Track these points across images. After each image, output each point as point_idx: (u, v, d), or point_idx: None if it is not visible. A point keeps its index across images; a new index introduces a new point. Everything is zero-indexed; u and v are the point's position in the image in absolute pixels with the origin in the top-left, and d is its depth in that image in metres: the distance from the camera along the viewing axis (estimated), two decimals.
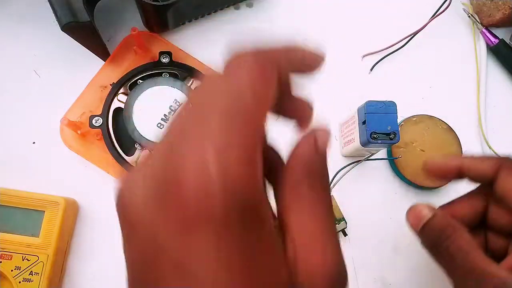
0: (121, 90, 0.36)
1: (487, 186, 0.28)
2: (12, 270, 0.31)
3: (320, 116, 0.41)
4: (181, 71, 0.37)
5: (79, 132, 0.35)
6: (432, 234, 0.26)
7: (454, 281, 0.25)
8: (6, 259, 0.31)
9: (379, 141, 0.31)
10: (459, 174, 0.28)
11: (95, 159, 0.35)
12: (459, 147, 0.39)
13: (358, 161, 0.37)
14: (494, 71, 0.43)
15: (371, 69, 0.41)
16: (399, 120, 0.39)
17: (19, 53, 0.37)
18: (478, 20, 0.42)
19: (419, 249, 0.29)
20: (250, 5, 0.41)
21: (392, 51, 0.41)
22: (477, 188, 0.29)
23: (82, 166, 0.36)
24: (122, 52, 0.37)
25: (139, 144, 0.33)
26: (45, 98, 0.37)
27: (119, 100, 0.36)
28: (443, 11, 0.40)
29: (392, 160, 0.38)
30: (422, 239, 0.27)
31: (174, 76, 0.36)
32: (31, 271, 0.31)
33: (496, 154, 0.28)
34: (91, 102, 0.36)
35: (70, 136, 0.35)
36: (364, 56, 0.41)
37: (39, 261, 0.31)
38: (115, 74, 0.37)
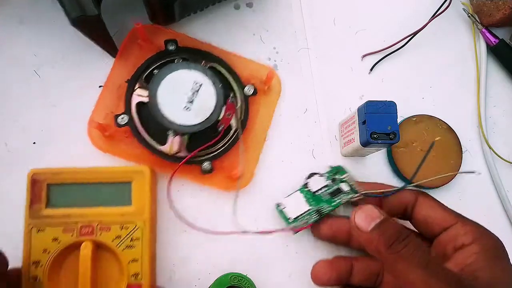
0: (137, 85, 0.36)
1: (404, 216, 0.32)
2: (113, 240, 0.31)
3: (321, 115, 0.41)
4: (190, 55, 0.37)
5: (107, 134, 0.35)
6: (389, 233, 0.27)
7: (409, 277, 0.26)
8: (105, 230, 0.31)
9: (379, 141, 0.31)
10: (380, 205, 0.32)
11: (130, 157, 0.35)
12: (459, 147, 0.39)
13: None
14: (494, 71, 0.43)
15: (371, 69, 0.41)
16: (399, 120, 0.39)
17: (19, 53, 0.37)
18: (478, 20, 0.42)
19: None
20: (250, 5, 0.41)
21: (392, 51, 0.41)
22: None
23: None
24: (128, 48, 0.37)
25: (171, 130, 0.34)
26: (45, 98, 0.37)
27: (138, 95, 0.36)
28: (443, 11, 0.40)
29: (392, 160, 0.38)
30: (373, 238, 0.28)
31: (185, 60, 0.37)
32: (132, 238, 0.31)
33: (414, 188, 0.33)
34: (110, 103, 0.36)
35: (98, 138, 0.35)
36: (364, 56, 0.41)
37: (137, 227, 0.32)
38: (126, 71, 0.37)
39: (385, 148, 0.39)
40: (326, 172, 0.36)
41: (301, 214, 0.34)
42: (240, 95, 0.37)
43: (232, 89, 0.37)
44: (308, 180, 0.36)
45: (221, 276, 0.33)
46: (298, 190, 0.36)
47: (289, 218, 0.34)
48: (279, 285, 0.35)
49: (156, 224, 0.35)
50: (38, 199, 0.31)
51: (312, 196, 0.35)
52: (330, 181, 0.35)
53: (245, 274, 0.34)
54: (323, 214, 0.34)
